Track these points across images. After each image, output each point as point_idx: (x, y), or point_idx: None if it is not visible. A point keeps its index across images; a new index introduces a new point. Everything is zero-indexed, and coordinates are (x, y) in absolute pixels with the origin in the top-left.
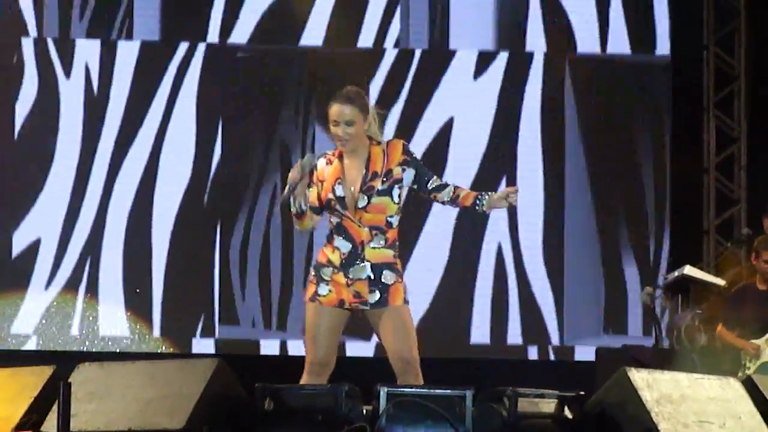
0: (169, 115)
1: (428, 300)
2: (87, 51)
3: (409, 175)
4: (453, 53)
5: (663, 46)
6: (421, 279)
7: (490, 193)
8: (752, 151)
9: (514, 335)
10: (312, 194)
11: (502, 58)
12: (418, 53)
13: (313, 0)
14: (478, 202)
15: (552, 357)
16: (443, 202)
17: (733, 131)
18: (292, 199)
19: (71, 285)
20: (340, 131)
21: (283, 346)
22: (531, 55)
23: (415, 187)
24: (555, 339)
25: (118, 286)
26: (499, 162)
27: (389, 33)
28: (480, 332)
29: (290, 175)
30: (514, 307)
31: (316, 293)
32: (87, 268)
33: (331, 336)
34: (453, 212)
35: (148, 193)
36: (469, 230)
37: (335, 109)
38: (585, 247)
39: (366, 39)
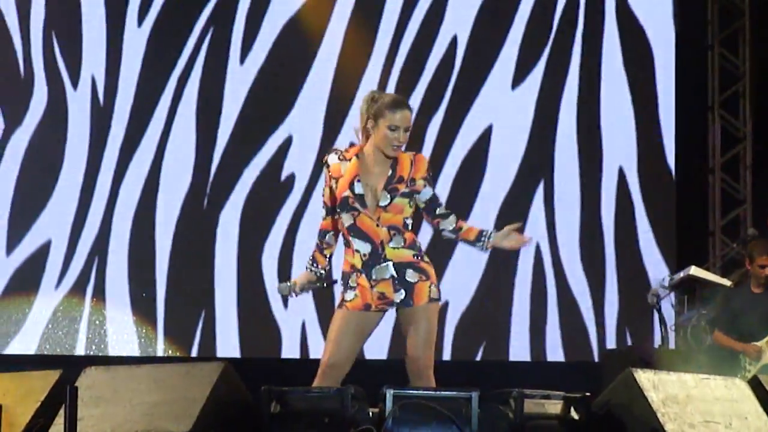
0: (170, 122)
1: (466, 303)
2: (93, 63)
3: (427, 192)
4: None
5: (667, 50)
6: (463, 278)
7: (494, 230)
8: (758, 151)
9: (553, 339)
10: (324, 194)
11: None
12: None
13: (329, 15)
14: (482, 238)
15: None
16: (444, 231)
17: (739, 131)
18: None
19: (78, 289)
20: (401, 137)
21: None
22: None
23: (423, 206)
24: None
25: (125, 290)
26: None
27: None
28: (519, 331)
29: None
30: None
31: (343, 300)
32: (94, 272)
33: (352, 340)
34: (492, 214)
35: (151, 198)
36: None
37: (402, 115)
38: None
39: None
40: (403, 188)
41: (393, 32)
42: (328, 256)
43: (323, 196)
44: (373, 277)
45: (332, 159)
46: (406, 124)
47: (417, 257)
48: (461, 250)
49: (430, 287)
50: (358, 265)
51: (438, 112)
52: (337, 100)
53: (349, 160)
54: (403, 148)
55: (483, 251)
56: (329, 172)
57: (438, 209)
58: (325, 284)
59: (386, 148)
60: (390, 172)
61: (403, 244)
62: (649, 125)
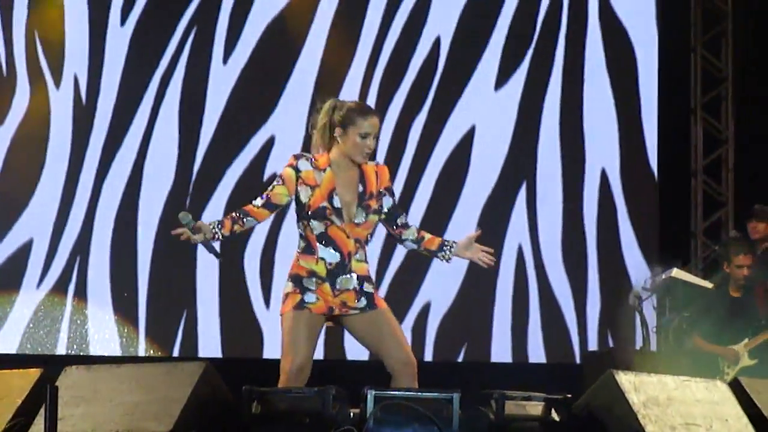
0: (153, 122)
1: (448, 304)
2: (76, 62)
3: (387, 202)
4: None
5: (650, 52)
6: (443, 283)
7: (456, 241)
8: (740, 153)
9: (535, 341)
10: (277, 191)
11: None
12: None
13: (313, 15)
14: (444, 248)
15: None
16: (404, 241)
17: (721, 134)
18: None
19: (59, 288)
20: (371, 144)
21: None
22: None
23: (385, 216)
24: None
25: (106, 289)
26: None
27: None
28: (501, 332)
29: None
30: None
31: (302, 301)
32: (75, 271)
33: (313, 342)
34: (474, 215)
35: (133, 198)
36: (491, 233)
37: (372, 122)
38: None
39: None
40: (374, 205)
41: (376, 33)
42: (236, 231)
43: (272, 191)
44: (337, 286)
45: (304, 165)
46: (376, 130)
47: (368, 270)
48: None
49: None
50: (321, 273)
51: (421, 113)
52: (320, 100)
53: (323, 170)
54: (382, 154)
55: (445, 262)
56: (300, 176)
57: (399, 218)
58: (210, 249)
59: (357, 155)
60: (360, 188)
61: (364, 257)
62: (631, 127)
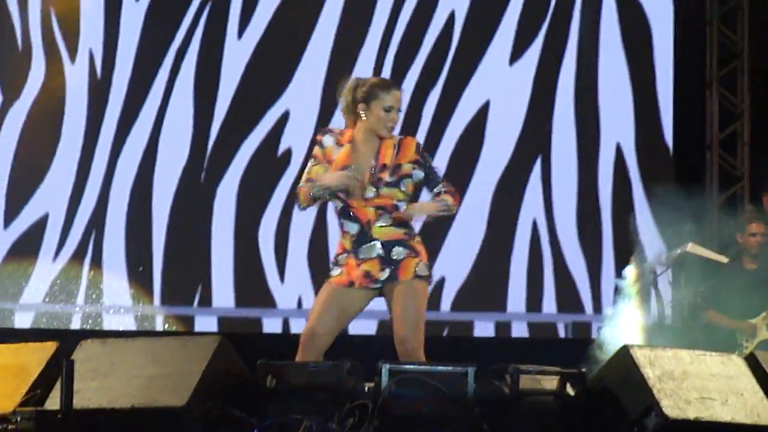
0: (168, 96)
1: (462, 280)
2: (91, 37)
3: (417, 175)
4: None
5: (666, 25)
6: (459, 254)
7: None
8: (756, 127)
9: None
10: (317, 171)
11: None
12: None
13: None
14: None
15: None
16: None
17: (737, 108)
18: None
19: (75, 263)
20: (394, 117)
21: (285, 323)
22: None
23: (421, 187)
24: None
25: (122, 264)
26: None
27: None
28: (516, 302)
29: (336, 180)
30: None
31: (328, 276)
32: (91, 245)
33: (333, 314)
34: (489, 190)
35: (148, 172)
36: (505, 206)
37: (395, 95)
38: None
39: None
40: (386, 177)
41: (391, 7)
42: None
43: (311, 172)
44: (360, 256)
45: (328, 141)
46: (399, 104)
47: (408, 235)
48: (457, 228)
49: (417, 264)
50: (348, 246)
51: (435, 88)
52: (335, 75)
53: (343, 146)
54: (396, 130)
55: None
56: (323, 152)
57: (435, 188)
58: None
59: (381, 129)
60: (372, 162)
61: (391, 222)
62: (647, 101)
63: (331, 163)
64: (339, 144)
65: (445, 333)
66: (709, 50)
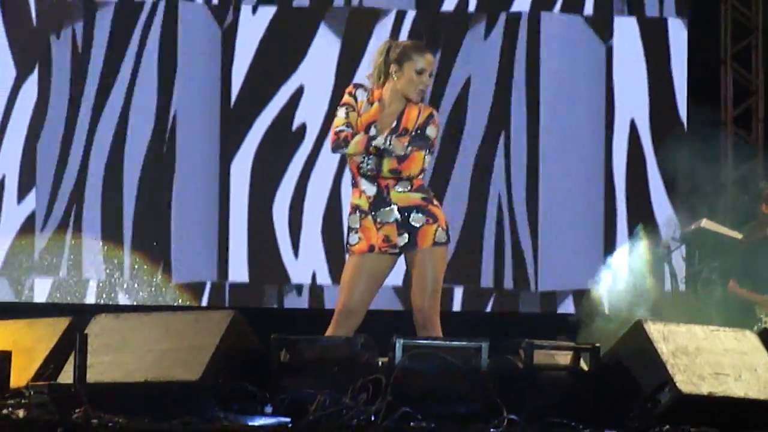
0: (136, 71)
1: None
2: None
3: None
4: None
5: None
6: (471, 229)
7: None
8: None
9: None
10: (350, 117)
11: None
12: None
13: None
14: None
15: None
16: None
17: (751, 84)
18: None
19: (90, 239)
20: (426, 80)
21: (300, 298)
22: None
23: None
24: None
25: (137, 240)
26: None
27: None
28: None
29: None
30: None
31: (348, 244)
32: (102, 221)
33: (364, 285)
34: (470, 167)
35: (166, 144)
36: (477, 183)
37: (428, 59)
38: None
39: None
40: (406, 142)
41: None
42: None
43: (347, 118)
44: (378, 219)
45: (361, 95)
46: (432, 68)
47: (425, 200)
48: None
49: (436, 230)
50: (364, 206)
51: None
52: (349, 49)
53: (372, 103)
54: (428, 92)
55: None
56: (357, 105)
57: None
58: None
59: (411, 92)
60: (394, 123)
61: (409, 188)
62: (661, 78)
63: (359, 116)
64: (369, 101)
65: (458, 308)
66: (724, 26)
